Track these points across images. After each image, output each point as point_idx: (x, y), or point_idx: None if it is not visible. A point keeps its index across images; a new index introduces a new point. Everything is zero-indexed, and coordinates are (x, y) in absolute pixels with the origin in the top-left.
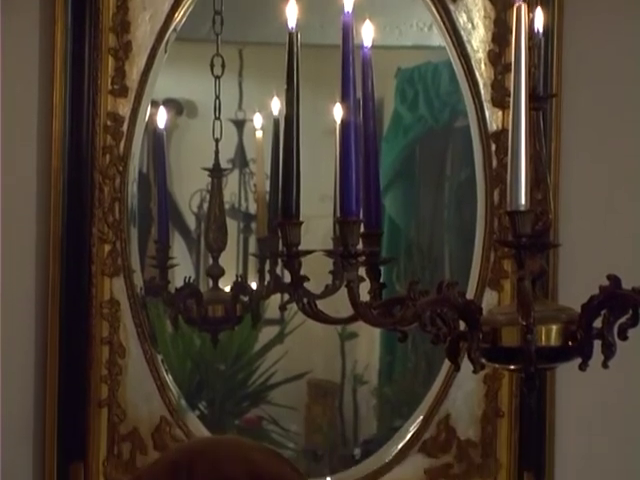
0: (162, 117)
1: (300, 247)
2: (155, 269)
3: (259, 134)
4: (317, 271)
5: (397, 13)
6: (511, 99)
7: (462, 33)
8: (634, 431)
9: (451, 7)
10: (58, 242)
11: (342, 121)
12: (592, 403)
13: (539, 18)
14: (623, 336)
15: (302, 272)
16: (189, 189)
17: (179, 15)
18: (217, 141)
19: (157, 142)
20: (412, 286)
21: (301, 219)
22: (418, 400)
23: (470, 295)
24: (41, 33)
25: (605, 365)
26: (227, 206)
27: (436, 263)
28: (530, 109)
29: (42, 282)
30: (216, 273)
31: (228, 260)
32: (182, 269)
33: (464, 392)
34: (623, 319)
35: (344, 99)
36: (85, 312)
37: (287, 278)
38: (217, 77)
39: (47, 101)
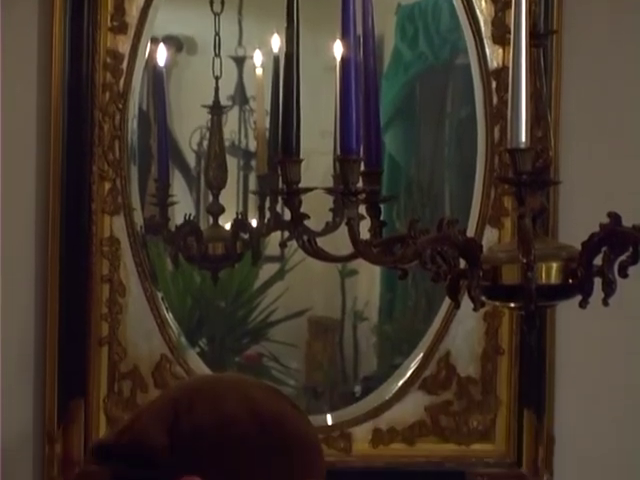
0: (162, 54)
1: (300, 184)
2: (155, 207)
3: (259, 71)
4: (317, 208)
5: None
6: (511, 36)
7: None
8: (634, 369)
9: None
10: (58, 180)
11: (342, 58)
12: (592, 341)
13: None
14: (623, 274)
15: (302, 210)
16: (189, 126)
17: None
18: (217, 78)
19: (157, 79)
20: (412, 224)
21: (301, 156)
22: (418, 337)
23: (470, 233)
24: None
25: (605, 303)
26: (227, 143)
27: (436, 201)
28: (530, 46)
29: (42, 220)
30: (216, 210)
31: (228, 198)
32: (182, 207)
33: (464, 330)
34: (623, 257)
35: (344, 36)
36: (85, 250)
37: (287, 216)
38: (217, 14)
39: (47, 39)
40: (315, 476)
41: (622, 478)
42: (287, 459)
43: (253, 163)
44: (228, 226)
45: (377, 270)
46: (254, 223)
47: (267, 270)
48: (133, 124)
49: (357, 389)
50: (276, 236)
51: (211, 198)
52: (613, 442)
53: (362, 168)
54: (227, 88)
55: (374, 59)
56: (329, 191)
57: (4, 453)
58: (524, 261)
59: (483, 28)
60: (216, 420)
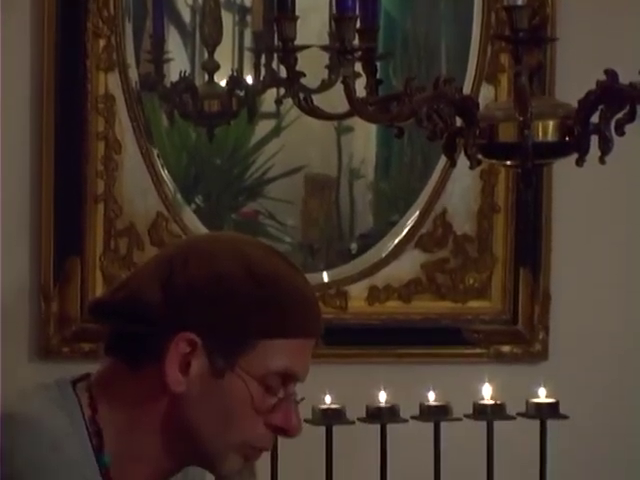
0: None
1: (296, 42)
2: (150, 64)
3: None
4: (313, 66)
5: None
6: None
7: None
8: (633, 225)
9: None
10: (52, 38)
11: None
12: (589, 199)
13: None
14: (620, 131)
15: (298, 67)
16: None
17: None
18: None
19: None
20: (408, 82)
21: (297, 13)
22: (414, 195)
23: (467, 90)
24: None
25: (602, 160)
26: None
27: (432, 56)
28: None
29: (37, 78)
30: (211, 67)
31: (223, 54)
32: (177, 64)
33: (460, 187)
34: (620, 114)
35: None
36: (80, 107)
37: (283, 73)
38: None
39: None
40: (311, 333)
41: (617, 334)
42: (282, 315)
43: (249, 19)
44: (223, 83)
45: (373, 127)
46: (249, 80)
47: (263, 127)
48: None
49: (353, 246)
50: (272, 93)
51: (206, 55)
52: (609, 299)
53: (358, 25)
54: None
55: None
56: (325, 49)
57: (1, 312)
58: (521, 119)
59: None
60: (211, 276)
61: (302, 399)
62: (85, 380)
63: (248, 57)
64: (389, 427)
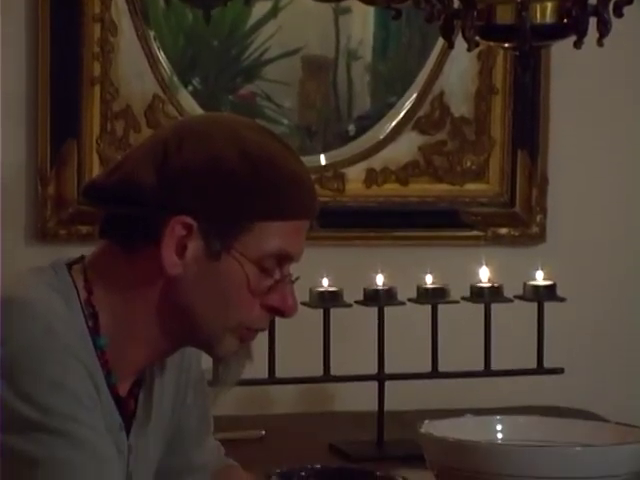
0: None
1: None
2: None
3: None
4: None
5: None
6: None
7: None
8: (629, 111)
9: None
10: None
11: None
12: (588, 83)
13: None
14: (619, 13)
15: None
16: None
17: None
18: None
19: None
20: None
21: None
22: (412, 77)
23: None
24: None
25: (600, 43)
26: None
27: None
28: None
29: None
30: None
31: None
32: None
33: (458, 69)
34: None
35: None
36: None
37: None
38: None
39: None
40: (307, 215)
41: (615, 216)
42: (278, 198)
43: None
44: None
45: (371, 8)
46: None
47: (260, 8)
48: None
49: (351, 128)
50: None
51: None
52: (607, 182)
53: None
54: None
55: None
56: None
57: None
58: (518, 0)
59: None
60: (205, 158)
61: (297, 278)
62: (80, 263)
63: None
64: (386, 310)
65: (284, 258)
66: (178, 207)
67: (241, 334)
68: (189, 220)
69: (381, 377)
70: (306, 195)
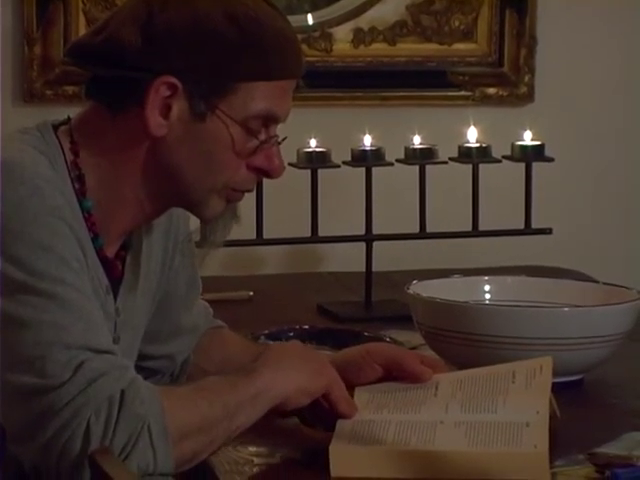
0: None
1: None
2: None
3: None
4: None
5: None
6: None
7: None
8: None
9: None
10: None
11: None
12: None
13: None
14: None
15: None
16: None
17: None
18: None
19: None
20: None
21: None
22: None
23: None
24: None
25: None
26: None
27: None
28: None
29: None
30: None
31: None
32: None
33: None
34: None
35: None
36: None
37: None
38: None
39: None
40: (292, 74)
41: (604, 75)
42: (263, 57)
43: None
44: None
45: None
46: None
47: None
48: None
49: None
50: None
51: None
52: (597, 39)
53: None
54: None
55: None
56: None
57: None
58: None
59: None
60: (189, 18)
61: (284, 139)
62: (67, 124)
63: None
64: (374, 171)
65: (270, 119)
66: (162, 67)
67: (227, 195)
68: (173, 80)
69: (369, 238)
70: (292, 54)
